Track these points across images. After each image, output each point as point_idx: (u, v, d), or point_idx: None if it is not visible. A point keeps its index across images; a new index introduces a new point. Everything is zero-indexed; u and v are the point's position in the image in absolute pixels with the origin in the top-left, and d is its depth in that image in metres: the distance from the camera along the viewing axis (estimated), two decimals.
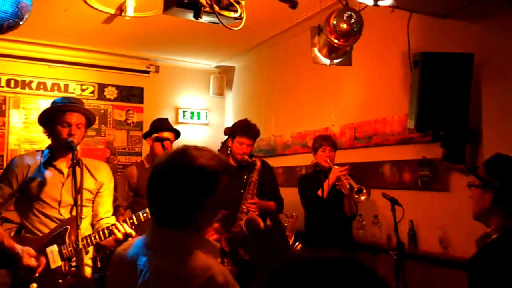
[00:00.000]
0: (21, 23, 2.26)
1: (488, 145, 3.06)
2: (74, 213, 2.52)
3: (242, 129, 3.52)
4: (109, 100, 5.95)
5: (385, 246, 3.72)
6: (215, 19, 2.20)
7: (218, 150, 3.71)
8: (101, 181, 2.75)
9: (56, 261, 2.46)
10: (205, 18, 2.20)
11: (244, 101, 6.38)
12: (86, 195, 2.66)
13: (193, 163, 1.33)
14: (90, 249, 2.63)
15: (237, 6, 2.23)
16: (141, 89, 6.17)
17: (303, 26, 4.51)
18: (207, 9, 2.14)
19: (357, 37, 2.80)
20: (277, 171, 4.73)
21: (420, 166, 3.60)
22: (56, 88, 5.62)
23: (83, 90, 5.79)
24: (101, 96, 5.90)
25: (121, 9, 4.29)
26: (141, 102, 6.15)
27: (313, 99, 4.87)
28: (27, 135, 5.40)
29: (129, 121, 6.05)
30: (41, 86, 5.54)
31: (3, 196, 2.55)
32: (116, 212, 3.26)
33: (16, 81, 5.41)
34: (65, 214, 2.58)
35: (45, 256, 2.45)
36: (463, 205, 2.89)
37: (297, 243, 4.06)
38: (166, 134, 3.48)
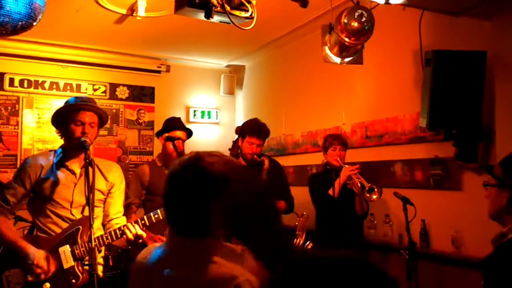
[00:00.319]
0: (34, 23, 2.28)
1: (501, 143, 3.03)
2: (85, 213, 2.54)
3: (252, 129, 3.53)
4: (121, 99, 6.00)
5: (397, 245, 3.69)
6: (226, 19, 2.20)
7: (229, 149, 3.72)
8: (112, 182, 2.77)
9: (68, 261, 2.49)
10: (216, 18, 2.20)
11: (255, 100, 6.38)
12: (98, 195, 2.68)
13: (207, 169, 1.30)
14: (102, 248, 2.65)
15: (248, 5, 2.24)
16: (152, 88, 6.21)
17: (313, 24, 4.50)
18: (218, 8, 2.15)
19: (368, 35, 2.79)
20: (287, 170, 4.73)
21: (432, 165, 3.57)
22: (68, 88, 5.67)
23: (95, 90, 5.83)
24: (112, 96, 5.94)
25: (132, 9, 4.31)
26: (152, 101, 6.19)
27: (323, 97, 4.86)
28: (40, 134, 5.46)
29: (140, 121, 6.09)
30: (54, 86, 5.59)
31: (16, 196, 2.57)
32: (128, 209, 3.29)
33: (29, 81, 5.47)
34: (77, 214, 2.60)
35: (58, 256, 2.48)
36: (475, 204, 2.87)
37: (308, 242, 4.06)
38: (178, 133, 3.49)
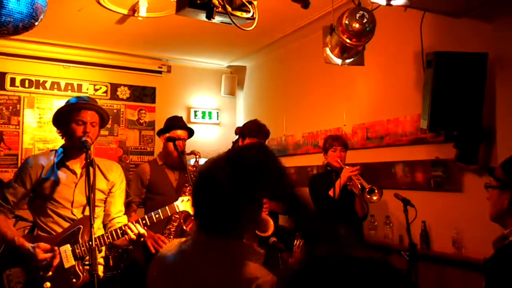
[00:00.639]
0: (36, 23, 2.28)
1: (502, 145, 3.03)
2: (86, 213, 2.54)
3: (252, 130, 3.52)
4: (122, 100, 6.00)
5: (397, 247, 3.70)
6: (227, 20, 2.20)
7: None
8: (113, 182, 2.76)
9: (69, 261, 2.48)
10: (217, 19, 2.20)
11: (256, 101, 6.38)
12: (98, 195, 2.67)
13: (250, 176, 1.33)
14: (103, 247, 2.65)
15: (250, 6, 2.23)
16: (153, 89, 6.21)
17: (315, 26, 4.50)
18: (220, 9, 2.14)
19: (369, 36, 2.79)
20: (288, 171, 4.73)
21: (433, 167, 3.57)
22: (69, 88, 5.68)
23: (96, 90, 5.84)
24: (113, 96, 5.95)
25: (134, 9, 4.32)
26: (153, 102, 6.19)
27: (324, 99, 4.86)
28: (41, 134, 5.47)
29: (141, 121, 6.10)
30: (55, 86, 5.60)
31: (16, 195, 2.56)
32: (128, 207, 3.29)
33: (30, 81, 5.48)
34: (78, 214, 2.60)
35: (59, 255, 2.48)
36: (476, 206, 2.87)
37: None
38: (179, 132, 3.48)
